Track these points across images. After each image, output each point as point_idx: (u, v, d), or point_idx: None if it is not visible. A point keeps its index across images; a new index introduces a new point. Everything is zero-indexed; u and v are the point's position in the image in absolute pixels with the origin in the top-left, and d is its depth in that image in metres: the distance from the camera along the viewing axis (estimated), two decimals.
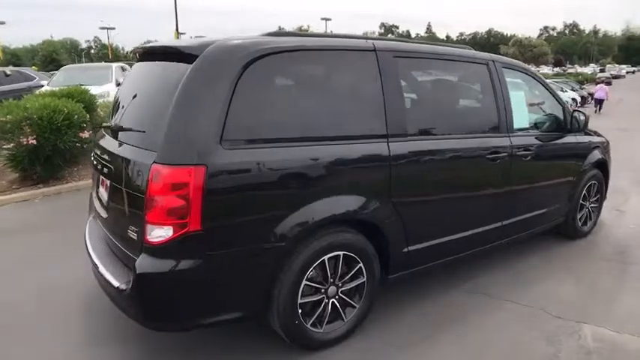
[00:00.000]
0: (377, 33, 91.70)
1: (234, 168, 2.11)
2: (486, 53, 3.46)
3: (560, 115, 3.88)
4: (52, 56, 63.75)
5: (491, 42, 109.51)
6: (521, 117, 3.47)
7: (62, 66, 14.46)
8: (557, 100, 3.89)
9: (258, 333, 2.67)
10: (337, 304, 2.59)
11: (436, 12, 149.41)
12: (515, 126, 3.37)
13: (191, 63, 2.14)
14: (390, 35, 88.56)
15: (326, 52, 2.52)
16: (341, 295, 2.60)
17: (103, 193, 2.61)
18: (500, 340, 2.77)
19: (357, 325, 2.69)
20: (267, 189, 2.23)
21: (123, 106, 2.69)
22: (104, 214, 2.58)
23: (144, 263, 2.07)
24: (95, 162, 2.76)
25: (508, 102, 3.32)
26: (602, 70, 66.38)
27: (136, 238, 2.13)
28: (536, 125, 3.70)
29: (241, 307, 2.31)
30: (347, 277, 2.59)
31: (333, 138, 2.43)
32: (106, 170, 2.51)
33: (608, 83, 31.43)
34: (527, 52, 79.64)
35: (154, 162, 2.03)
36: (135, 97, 2.56)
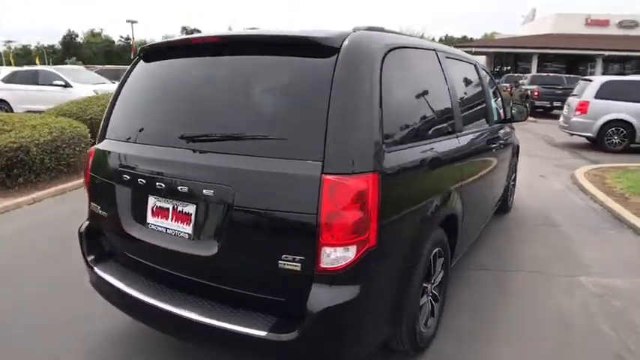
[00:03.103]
0: (177, 37, 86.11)
1: (395, 171, 1.98)
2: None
3: (501, 108, 4.56)
4: None
5: None
6: (492, 110, 3.99)
7: None
8: (500, 95, 4.56)
9: None
10: (432, 301, 2.62)
11: (234, 13, 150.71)
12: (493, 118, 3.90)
13: (325, 57, 1.88)
14: None
15: (421, 51, 2.55)
16: (432, 291, 2.63)
17: (175, 225, 2.08)
18: (539, 304, 3.16)
19: (440, 318, 2.75)
20: (415, 191, 2.18)
21: (182, 112, 2.20)
22: (185, 250, 2.03)
23: (322, 296, 1.76)
24: (140, 185, 2.17)
25: (490, 98, 3.81)
26: None
27: (298, 268, 1.78)
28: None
29: (392, 322, 2.16)
30: (437, 272, 2.64)
31: (437, 134, 2.50)
32: (187, 192, 2.00)
33: None
34: None
35: (323, 173, 1.74)
36: (211, 99, 2.12)
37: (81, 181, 6.49)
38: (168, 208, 2.12)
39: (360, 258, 1.79)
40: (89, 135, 7.08)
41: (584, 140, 10.34)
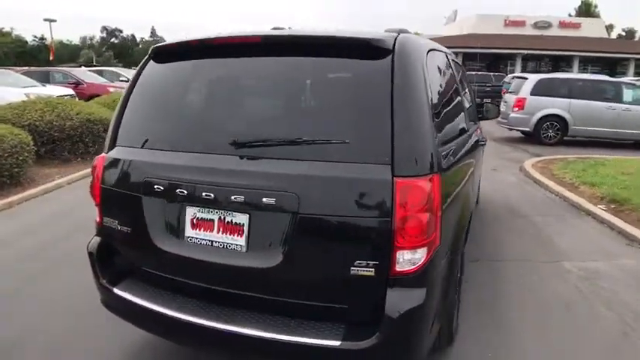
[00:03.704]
0: (98, 37, 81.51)
1: (447, 170, 2.03)
2: None
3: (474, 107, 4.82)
4: None
5: None
6: (474, 108, 4.20)
7: None
8: (473, 93, 4.80)
9: None
10: None
11: (159, 17, 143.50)
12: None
13: (379, 58, 1.88)
14: (112, 40, 79.48)
15: (439, 53, 2.63)
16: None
17: (223, 237, 1.95)
18: (537, 290, 3.37)
19: (458, 317, 2.85)
20: (457, 189, 2.25)
21: (226, 117, 2.11)
22: (238, 263, 1.92)
23: (398, 300, 1.76)
24: (176, 196, 2.02)
25: (474, 97, 4.01)
26: None
27: (372, 273, 1.76)
28: None
29: (440, 319, 2.19)
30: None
31: (461, 132, 2.62)
32: (239, 201, 1.89)
33: None
34: None
35: (394, 176, 1.73)
36: (261, 103, 2.08)
37: (29, 192, 5.94)
38: (212, 220, 1.99)
39: (430, 259, 1.82)
40: (32, 143, 6.52)
41: (520, 134, 11.12)
